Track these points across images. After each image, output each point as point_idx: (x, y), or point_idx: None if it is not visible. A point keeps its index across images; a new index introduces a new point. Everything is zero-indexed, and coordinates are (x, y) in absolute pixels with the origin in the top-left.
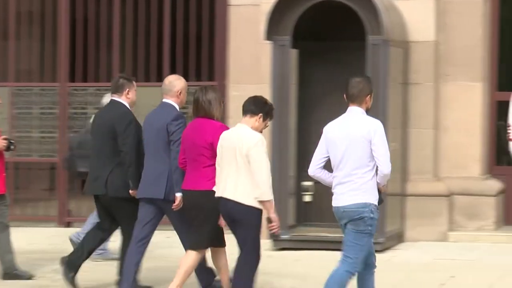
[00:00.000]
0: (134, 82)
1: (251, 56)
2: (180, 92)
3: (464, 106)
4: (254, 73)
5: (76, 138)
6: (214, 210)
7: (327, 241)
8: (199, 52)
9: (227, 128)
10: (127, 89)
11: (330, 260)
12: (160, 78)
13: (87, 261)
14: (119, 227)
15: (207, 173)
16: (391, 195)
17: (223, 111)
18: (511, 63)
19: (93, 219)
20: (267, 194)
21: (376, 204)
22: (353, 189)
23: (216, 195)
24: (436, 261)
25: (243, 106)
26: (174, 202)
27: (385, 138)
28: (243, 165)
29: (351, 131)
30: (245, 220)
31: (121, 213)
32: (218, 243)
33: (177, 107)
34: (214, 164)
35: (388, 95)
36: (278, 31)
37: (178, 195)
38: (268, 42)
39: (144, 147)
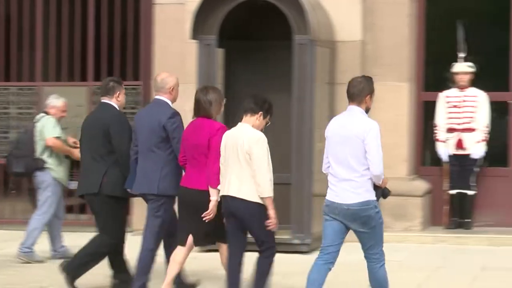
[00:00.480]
0: (123, 85)
1: (177, 55)
2: (173, 89)
3: (391, 106)
4: (180, 73)
5: (15, 138)
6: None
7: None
8: (124, 52)
9: (226, 129)
10: (118, 92)
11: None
12: (84, 78)
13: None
14: (99, 225)
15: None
16: (319, 196)
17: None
18: (437, 64)
19: None
20: (267, 191)
21: (375, 199)
22: (355, 187)
23: (221, 194)
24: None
25: (243, 105)
26: (168, 197)
27: (378, 139)
28: (245, 163)
29: (348, 130)
30: (251, 216)
31: (109, 212)
32: (223, 239)
33: (170, 104)
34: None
35: (315, 95)
36: (203, 30)
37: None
38: (193, 41)
39: (137, 145)
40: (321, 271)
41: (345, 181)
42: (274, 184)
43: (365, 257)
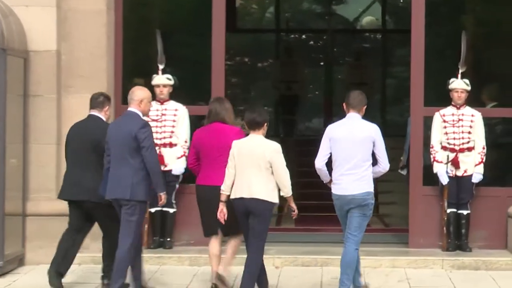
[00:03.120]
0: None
1: None
2: (141, 101)
3: None
4: None
5: None
6: (230, 203)
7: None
8: None
9: (244, 132)
10: (107, 106)
11: None
12: None
13: None
14: (103, 230)
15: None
16: (10, 215)
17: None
18: (137, 75)
19: None
20: (290, 190)
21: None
22: (359, 179)
23: (236, 196)
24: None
25: (251, 121)
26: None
27: (383, 139)
28: (265, 170)
29: (356, 132)
30: (267, 214)
31: (104, 217)
32: (237, 232)
33: (141, 115)
34: None
35: (6, 107)
36: None
37: (163, 194)
38: None
39: (110, 154)
40: (352, 253)
41: (349, 175)
42: None
43: (346, 240)
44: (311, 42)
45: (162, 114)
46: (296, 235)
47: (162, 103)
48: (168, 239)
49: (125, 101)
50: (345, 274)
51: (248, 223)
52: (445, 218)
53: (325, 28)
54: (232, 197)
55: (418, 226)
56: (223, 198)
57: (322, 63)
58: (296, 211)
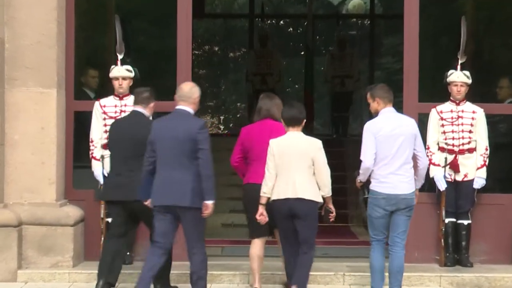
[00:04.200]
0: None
1: None
2: (196, 99)
3: (35, 118)
4: None
5: None
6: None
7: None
8: None
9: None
10: (152, 103)
11: None
12: None
13: None
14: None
15: None
16: None
17: None
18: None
19: None
20: (330, 190)
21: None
22: (408, 178)
23: (280, 197)
24: None
25: (291, 117)
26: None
27: None
28: (307, 168)
29: (404, 128)
30: (314, 215)
31: (149, 216)
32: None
33: (193, 114)
34: None
35: None
36: None
37: (211, 202)
38: None
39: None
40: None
41: (399, 174)
42: None
43: (392, 242)
44: (290, 29)
45: (122, 111)
46: (275, 248)
47: (121, 98)
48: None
49: (78, 97)
50: (396, 281)
51: (290, 225)
52: (443, 229)
53: (305, 13)
54: (274, 198)
55: (412, 238)
56: (263, 201)
57: (302, 53)
58: (334, 213)
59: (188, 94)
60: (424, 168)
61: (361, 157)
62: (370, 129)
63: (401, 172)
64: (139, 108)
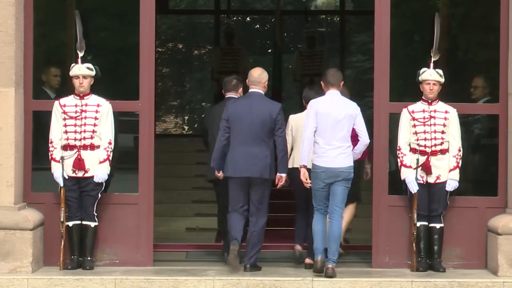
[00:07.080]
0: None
1: None
2: (266, 82)
3: None
4: None
5: None
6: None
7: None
8: None
9: None
10: (241, 88)
11: None
12: None
13: None
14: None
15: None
16: None
17: None
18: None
19: None
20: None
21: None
22: (344, 154)
23: (324, 164)
24: None
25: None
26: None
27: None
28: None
29: (341, 108)
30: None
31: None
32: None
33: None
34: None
35: None
36: None
37: (285, 175)
38: None
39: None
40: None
41: (336, 148)
42: None
43: (332, 212)
44: (257, 26)
45: (82, 111)
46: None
47: (82, 98)
48: (89, 257)
49: (36, 96)
50: (334, 245)
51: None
52: (415, 233)
53: (273, 9)
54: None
55: (383, 242)
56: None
57: (269, 51)
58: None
59: (258, 79)
60: (362, 144)
61: (303, 128)
62: (313, 106)
63: (338, 147)
64: (232, 94)
